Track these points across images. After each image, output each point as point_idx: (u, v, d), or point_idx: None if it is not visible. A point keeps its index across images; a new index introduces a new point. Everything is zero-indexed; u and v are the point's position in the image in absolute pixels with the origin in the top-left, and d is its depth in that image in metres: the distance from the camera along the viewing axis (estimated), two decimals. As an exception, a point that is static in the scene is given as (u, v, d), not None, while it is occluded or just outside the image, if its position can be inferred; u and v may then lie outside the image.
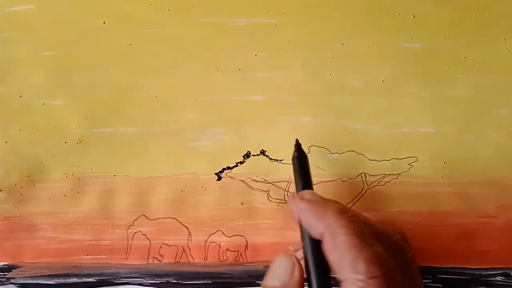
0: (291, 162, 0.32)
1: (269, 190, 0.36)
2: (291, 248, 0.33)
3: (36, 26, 0.36)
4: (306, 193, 0.29)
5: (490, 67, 0.35)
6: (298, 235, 0.34)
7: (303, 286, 0.28)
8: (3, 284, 0.35)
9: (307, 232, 0.28)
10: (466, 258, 0.35)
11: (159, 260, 0.36)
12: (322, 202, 0.28)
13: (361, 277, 0.25)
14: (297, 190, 0.31)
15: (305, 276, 0.28)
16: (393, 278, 0.25)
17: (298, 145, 0.32)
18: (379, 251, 0.26)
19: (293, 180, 0.35)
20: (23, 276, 0.35)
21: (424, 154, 0.35)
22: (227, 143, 0.36)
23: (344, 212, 0.27)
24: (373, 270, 0.25)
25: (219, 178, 0.36)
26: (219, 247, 0.36)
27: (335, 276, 0.27)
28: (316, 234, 0.27)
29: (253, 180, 0.36)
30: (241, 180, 0.36)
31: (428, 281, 0.35)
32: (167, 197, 0.36)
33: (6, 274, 0.35)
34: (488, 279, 0.35)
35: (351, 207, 0.35)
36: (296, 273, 0.28)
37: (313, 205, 0.28)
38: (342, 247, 0.25)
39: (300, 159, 0.31)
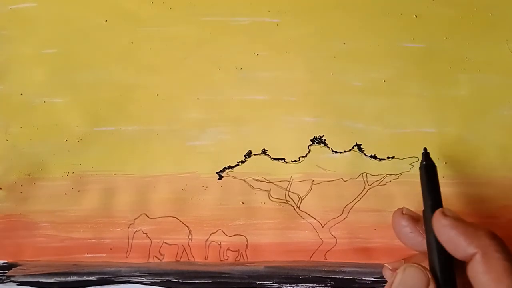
0: (418, 172, 0.31)
1: (270, 189, 0.36)
2: (389, 267, 0.31)
3: (38, 24, 0.36)
4: (447, 210, 0.28)
5: (492, 67, 0.35)
6: (299, 235, 0.34)
7: None
8: (3, 282, 0.35)
9: (446, 249, 0.28)
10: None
11: (159, 259, 0.36)
12: (471, 223, 0.28)
13: None
14: (425, 203, 0.30)
15: None
16: None
17: (426, 154, 0.31)
18: None
19: (295, 180, 0.35)
20: (23, 274, 0.35)
21: (426, 154, 0.35)
22: (229, 142, 0.36)
23: (496, 237, 0.27)
24: None
25: (220, 177, 0.36)
26: (220, 247, 0.36)
27: None
28: (462, 253, 0.27)
29: (254, 180, 0.36)
30: (242, 180, 0.36)
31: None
32: (168, 196, 0.36)
33: (6, 272, 0.35)
34: (489, 280, 0.35)
35: (352, 206, 0.35)
36: None
37: (463, 225, 0.27)
38: (498, 271, 0.25)
39: (428, 170, 0.30)
